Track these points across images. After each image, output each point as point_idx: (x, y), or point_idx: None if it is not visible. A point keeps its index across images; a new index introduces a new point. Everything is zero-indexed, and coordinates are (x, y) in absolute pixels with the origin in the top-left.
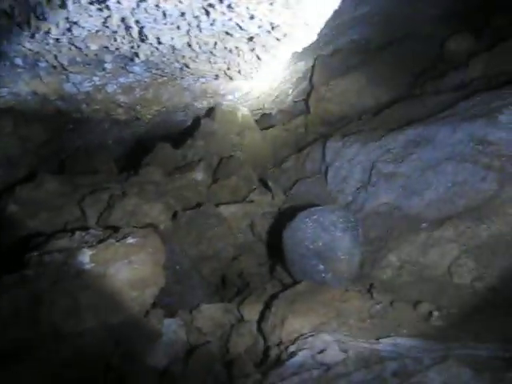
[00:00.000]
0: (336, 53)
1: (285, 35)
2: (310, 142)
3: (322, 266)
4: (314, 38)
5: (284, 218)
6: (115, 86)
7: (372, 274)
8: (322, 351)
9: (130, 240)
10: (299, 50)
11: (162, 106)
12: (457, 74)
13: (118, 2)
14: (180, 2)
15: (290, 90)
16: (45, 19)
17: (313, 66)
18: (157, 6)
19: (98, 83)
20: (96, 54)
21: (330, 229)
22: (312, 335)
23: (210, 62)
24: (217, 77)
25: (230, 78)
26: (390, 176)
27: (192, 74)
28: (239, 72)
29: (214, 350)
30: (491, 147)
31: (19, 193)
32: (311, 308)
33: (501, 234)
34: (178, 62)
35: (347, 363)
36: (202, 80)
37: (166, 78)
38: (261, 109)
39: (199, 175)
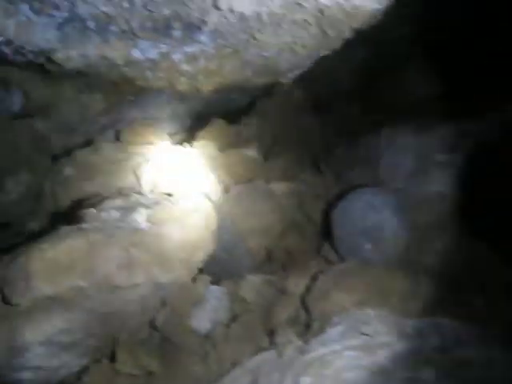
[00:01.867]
0: (400, 40)
1: (356, 8)
2: (364, 128)
3: (368, 245)
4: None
5: (333, 199)
6: (180, 55)
7: (418, 258)
8: (364, 323)
9: (186, 203)
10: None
11: (224, 78)
12: None
13: None
14: None
15: (347, 77)
16: None
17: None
18: None
19: (164, 51)
20: (166, 20)
21: (380, 209)
22: (355, 309)
23: (276, 34)
24: (280, 51)
25: (294, 53)
26: (443, 165)
27: (257, 47)
28: (304, 47)
29: (257, 318)
30: None
31: (76, 157)
32: (355, 285)
33: None
34: (244, 32)
35: (390, 334)
36: (265, 54)
37: (230, 50)
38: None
39: (252, 152)
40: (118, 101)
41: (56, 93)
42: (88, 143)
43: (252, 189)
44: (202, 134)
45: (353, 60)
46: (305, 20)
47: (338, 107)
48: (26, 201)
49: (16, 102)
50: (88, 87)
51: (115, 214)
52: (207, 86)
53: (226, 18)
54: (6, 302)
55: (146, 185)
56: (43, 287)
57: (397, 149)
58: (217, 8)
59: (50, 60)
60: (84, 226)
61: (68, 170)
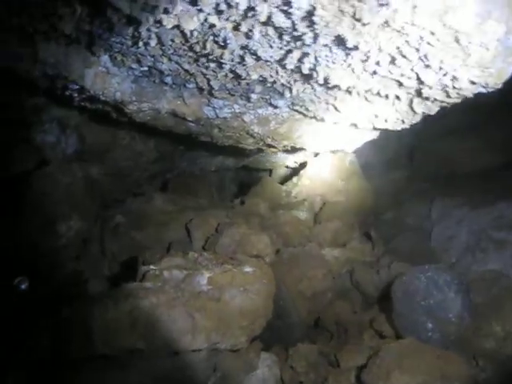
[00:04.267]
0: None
1: (458, 93)
2: (412, 196)
3: (430, 325)
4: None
5: (384, 269)
6: (252, 117)
7: (474, 340)
8: None
9: (247, 269)
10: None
11: (292, 142)
12: None
13: (314, 38)
14: (379, 49)
15: (392, 143)
16: (224, 46)
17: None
18: (348, 48)
19: (237, 111)
20: (248, 84)
21: (444, 289)
22: None
23: (359, 106)
24: (357, 124)
25: (374, 128)
26: (501, 243)
27: (334, 116)
28: (386, 121)
29: None
30: None
31: (128, 205)
32: (417, 367)
33: None
34: (327, 102)
35: None
36: (339, 123)
37: (301, 116)
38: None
39: (302, 214)
40: (169, 150)
41: (112, 139)
42: (139, 192)
43: (305, 253)
44: (253, 191)
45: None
46: (397, 96)
47: (386, 173)
48: (74, 246)
49: (71, 144)
50: (143, 135)
51: (177, 274)
52: (276, 147)
53: (313, 87)
54: (64, 355)
55: (197, 241)
56: (102, 346)
57: (450, 221)
58: (311, 78)
59: (119, 110)
60: (147, 285)
61: (119, 218)
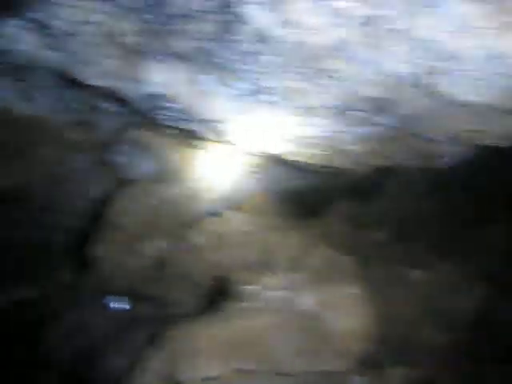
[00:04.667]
0: None
1: None
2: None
3: None
4: None
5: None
6: (350, 135)
7: None
8: None
9: (348, 290)
10: None
11: (384, 159)
12: None
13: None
14: None
15: None
16: (349, 61)
17: None
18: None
19: (336, 130)
20: (355, 101)
21: None
22: None
23: (472, 122)
24: (442, 139)
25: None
26: None
27: (439, 131)
28: (490, 138)
29: None
30: None
31: (205, 226)
32: None
33: None
34: (439, 117)
35: None
36: (441, 139)
37: (396, 133)
38: None
39: (381, 235)
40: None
41: (186, 160)
42: (214, 212)
43: (391, 275)
44: (328, 210)
45: None
46: None
47: (453, 196)
48: (158, 265)
49: (149, 166)
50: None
51: (278, 294)
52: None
53: (425, 104)
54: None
55: (281, 262)
56: (210, 367)
57: None
58: (433, 94)
59: (214, 131)
60: (250, 305)
61: (197, 238)
